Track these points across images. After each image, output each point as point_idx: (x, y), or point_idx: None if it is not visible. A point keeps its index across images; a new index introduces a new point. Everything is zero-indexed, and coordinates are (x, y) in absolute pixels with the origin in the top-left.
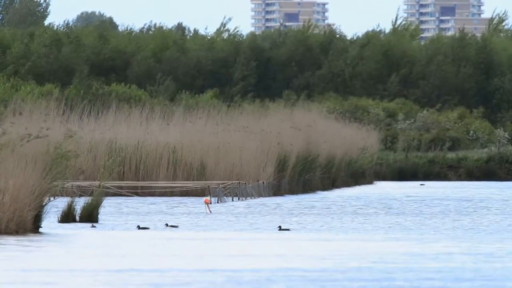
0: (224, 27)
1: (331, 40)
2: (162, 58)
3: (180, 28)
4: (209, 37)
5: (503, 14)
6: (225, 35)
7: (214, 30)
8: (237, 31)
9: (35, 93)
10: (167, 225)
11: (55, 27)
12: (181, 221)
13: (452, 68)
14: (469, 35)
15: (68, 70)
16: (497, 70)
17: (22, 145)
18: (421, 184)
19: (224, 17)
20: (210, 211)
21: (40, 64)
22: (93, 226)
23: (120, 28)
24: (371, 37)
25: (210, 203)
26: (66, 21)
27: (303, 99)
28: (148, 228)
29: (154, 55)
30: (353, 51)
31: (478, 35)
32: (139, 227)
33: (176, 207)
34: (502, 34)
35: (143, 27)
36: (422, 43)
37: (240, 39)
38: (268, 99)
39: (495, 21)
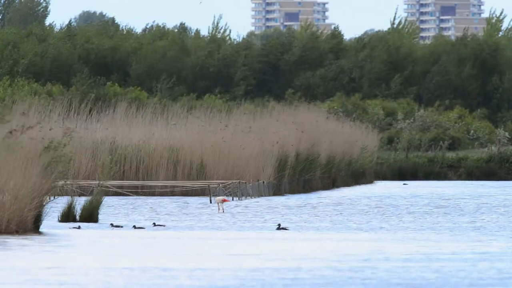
0: (217, 25)
1: (335, 40)
2: (165, 58)
3: (182, 28)
4: (209, 37)
5: (501, 14)
6: (225, 35)
7: (213, 30)
8: (230, 32)
9: (35, 92)
10: (154, 224)
11: (55, 27)
12: (182, 220)
13: (453, 68)
14: (471, 35)
15: (68, 69)
16: (497, 69)
17: (17, 138)
18: (404, 184)
19: (214, 16)
20: (223, 210)
21: (39, 63)
22: (118, 226)
23: (122, 28)
24: (373, 38)
25: (224, 202)
26: (66, 21)
27: (304, 99)
28: (143, 228)
29: (156, 56)
30: (357, 52)
31: (479, 34)
32: (134, 227)
33: (176, 206)
34: (501, 33)
35: (146, 27)
36: (424, 43)
37: (238, 39)
38: (270, 99)
39: (493, 20)
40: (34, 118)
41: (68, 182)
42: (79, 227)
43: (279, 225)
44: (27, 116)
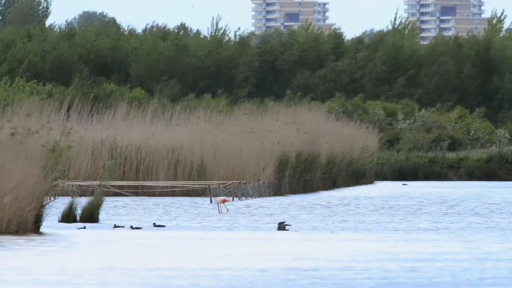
0: (217, 25)
1: (335, 41)
2: (165, 58)
3: (182, 28)
4: (209, 37)
5: (502, 14)
6: (225, 35)
7: (214, 30)
8: (230, 32)
9: (36, 93)
10: (154, 224)
11: (56, 27)
12: (182, 221)
13: (454, 68)
14: (471, 35)
15: (68, 69)
16: (497, 69)
17: (21, 142)
18: (404, 184)
19: (213, 17)
20: (227, 210)
21: (39, 63)
22: (120, 227)
23: (122, 28)
24: (374, 38)
25: (225, 202)
26: (67, 20)
27: (304, 99)
28: (140, 228)
29: (157, 56)
30: (357, 52)
31: (480, 34)
32: (132, 227)
33: (176, 207)
34: (502, 33)
35: (146, 27)
36: (425, 43)
37: (235, 39)
38: (270, 99)
39: (494, 21)
40: (36, 119)
41: (69, 182)
42: (84, 227)
43: (279, 224)
44: (31, 117)
